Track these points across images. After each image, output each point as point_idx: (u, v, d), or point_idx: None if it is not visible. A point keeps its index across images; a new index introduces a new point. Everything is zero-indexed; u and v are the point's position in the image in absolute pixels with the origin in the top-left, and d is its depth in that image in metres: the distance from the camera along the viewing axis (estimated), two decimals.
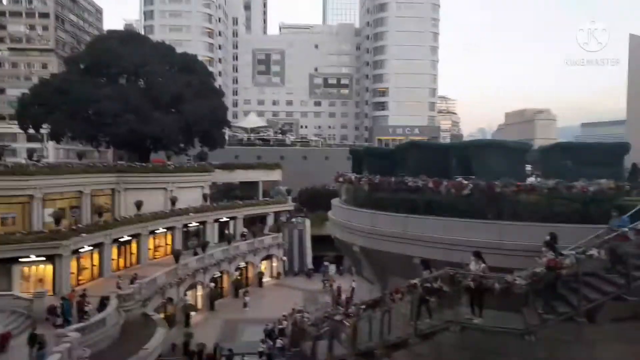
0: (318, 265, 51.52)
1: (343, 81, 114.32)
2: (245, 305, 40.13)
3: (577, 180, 11.83)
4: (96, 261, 32.67)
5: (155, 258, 38.86)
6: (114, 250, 34.47)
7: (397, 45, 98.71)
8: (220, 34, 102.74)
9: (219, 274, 41.94)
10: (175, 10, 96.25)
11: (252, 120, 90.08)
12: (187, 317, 34.57)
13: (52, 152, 79.10)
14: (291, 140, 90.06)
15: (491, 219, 12.55)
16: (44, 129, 49.97)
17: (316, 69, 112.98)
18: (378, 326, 12.41)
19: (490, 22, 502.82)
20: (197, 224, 44.45)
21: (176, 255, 36.18)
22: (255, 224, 52.45)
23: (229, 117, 71.14)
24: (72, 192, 34.58)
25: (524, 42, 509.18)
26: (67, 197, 34.39)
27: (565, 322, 10.14)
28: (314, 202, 62.18)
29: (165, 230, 40.17)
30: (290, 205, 57.89)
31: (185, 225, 42.61)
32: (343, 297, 39.11)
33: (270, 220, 54.39)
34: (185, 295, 35.51)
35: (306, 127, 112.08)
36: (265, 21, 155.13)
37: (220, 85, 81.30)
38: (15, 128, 56.84)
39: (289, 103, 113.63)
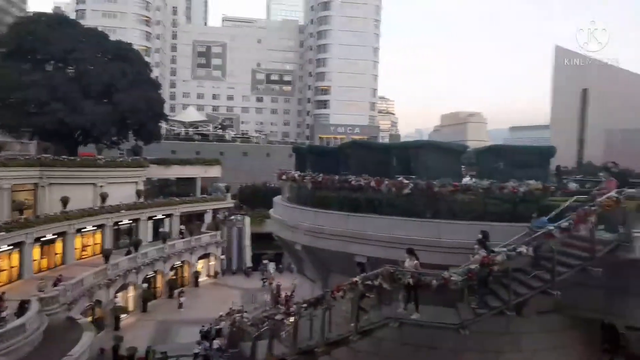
0: (257, 264, 51.01)
1: (286, 78, 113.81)
2: (180, 305, 38.90)
3: (508, 181, 12.49)
4: (15, 262, 30.14)
5: (82, 258, 36.55)
6: (36, 250, 32.01)
7: (340, 45, 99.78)
8: (158, 23, 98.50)
9: (153, 274, 40.27)
10: None
11: (191, 114, 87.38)
12: (117, 319, 33.01)
13: None
14: (231, 136, 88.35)
15: (430, 218, 12.95)
16: None
17: (259, 64, 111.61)
18: (319, 324, 12.42)
19: (428, 25, 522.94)
20: (130, 221, 42.43)
21: (106, 254, 34.23)
22: (192, 221, 50.97)
23: (166, 110, 68.47)
24: None
25: (460, 46, 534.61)
26: None
27: (496, 315, 10.67)
28: (254, 199, 61.58)
29: (94, 228, 37.93)
30: (229, 203, 56.82)
31: (117, 223, 40.53)
32: (283, 295, 38.98)
33: (208, 218, 53.08)
34: (115, 297, 33.76)
35: (247, 123, 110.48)
36: (206, 12, 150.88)
37: (157, 77, 77.84)
38: None
39: (230, 98, 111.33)
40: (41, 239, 32.22)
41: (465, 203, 12.75)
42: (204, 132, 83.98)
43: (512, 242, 11.09)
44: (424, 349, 12.49)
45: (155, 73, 75.31)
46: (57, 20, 49.61)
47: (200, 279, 46.49)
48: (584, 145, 44.68)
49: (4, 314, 21.69)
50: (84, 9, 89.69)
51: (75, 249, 35.96)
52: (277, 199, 19.25)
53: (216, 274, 49.60)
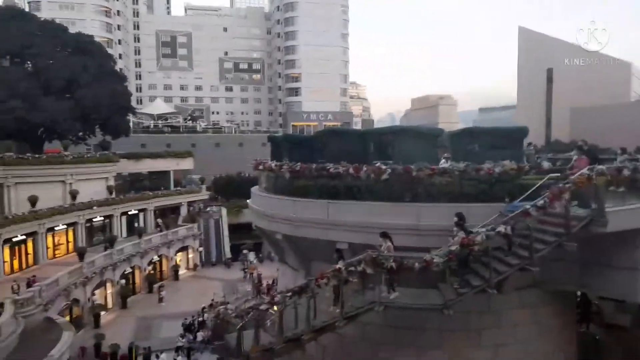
0: (237, 254, 50.81)
1: (255, 66, 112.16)
2: (160, 300, 38.57)
3: (483, 162, 12.74)
4: None
5: (56, 257, 35.76)
6: (6, 252, 31.09)
7: (308, 31, 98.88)
8: (118, 14, 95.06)
9: (130, 270, 39.64)
10: None
11: (159, 107, 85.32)
12: (97, 318, 32.51)
13: None
14: (202, 127, 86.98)
15: (408, 202, 13.12)
16: None
17: (226, 53, 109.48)
18: (304, 312, 12.51)
19: (397, 10, 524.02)
20: (102, 218, 41.59)
21: (80, 252, 33.54)
22: (167, 215, 50.26)
23: (133, 103, 66.69)
24: None
25: (430, 29, 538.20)
26: None
27: (477, 294, 10.97)
28: (230, 190, 61.06)
29: (65, 226, 37.03)
30: (204, 195, 56.23)
31: (89, 221, 39.64)
32: (264, 284, 39.08)
33: (183, 211, 52.43)
34: (93, 295, 33.15)
35: (218, 113, 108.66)
36: (168, 1, 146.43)
37: (121, 69, 75.61)
38: None
39: (198, 88, 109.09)
40: (11, 240, 31.28)
41: (443, 186, 12.94)
42: (174, 124, 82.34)
43: (490, 222, 11.38)
44: (409, 331, 12.76)
45: (119, 65, 73.11)
46: (10, 13, 47.33)
47: (179, 272, 46.07)
48: (551, 124, 46.01)
49: None
50: (39, 1, 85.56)
51: (48, 248, 35.17)
52: (254, 190, 19.10)
53: (195, 266, 49.21)
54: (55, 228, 35.83)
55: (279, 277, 21.84)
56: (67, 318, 28.07)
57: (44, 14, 70.34)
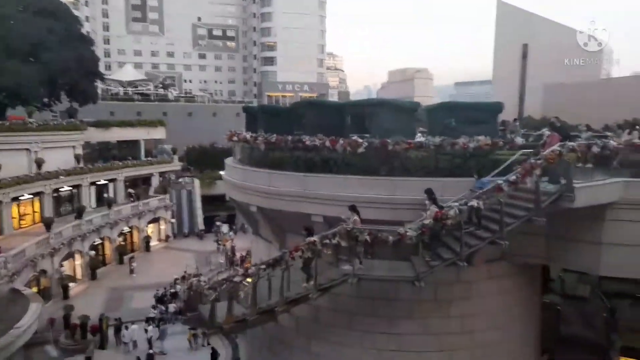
0: (210, 226, 50.52)
1: (229, 33, 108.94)
2: (132, 271, 38.21)
3: (459, 137, 12.81)
4: None
5: (22, 228, 34.74)
6: None
7: None
8: None
9: (100, 241, 38.98)
10: None
11: (129, 73, 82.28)
12: (65, 289, 32.03)
13: None
14: (174, 95, 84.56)
15: (384, 175, 13.14)
16: None
17: (199, 19, 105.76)
18: (278, 284, 12.54)
19: None
20: (70, 188, 40.44)
21: (47, 223, 32.66)
22: (139, 185, 49.29)
23: (102, 68, 64.12)
24: None
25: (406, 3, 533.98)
26: None
27: (448, 266, 11.21)
28: (203, 161, 60.20)
29: (31, 196, 35.89)
30: (176, 165, 55.30)
31: (56, 190, 38.49)
32: (238, 256, 39.10)
33: (155, 182, 51.49)
34: (61, 266, 32.55)
35: (190, 81, 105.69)
36: None
37: (88, 32, 72.13)
38: None
39: (170, 55, 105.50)
40: None
41: (419, 160, 12.99)
42: (144, 92, 79.76)
43: (463, 197, 11.53)
44: (381, 301, 13.00)
45: (86, 28, 69.74)
46: None
47: (151, 244, 45.58)
48: (524, 100, 46.65)
49: None
50: None
51: (13, 218, 34.08)
52: (228, 161, 18.75)
53: (167, 237, 48.77)
54: (21, 198, 34.71)
55: (253, 249, 21.79)
56: (35, 289, 27.57)
57: None
